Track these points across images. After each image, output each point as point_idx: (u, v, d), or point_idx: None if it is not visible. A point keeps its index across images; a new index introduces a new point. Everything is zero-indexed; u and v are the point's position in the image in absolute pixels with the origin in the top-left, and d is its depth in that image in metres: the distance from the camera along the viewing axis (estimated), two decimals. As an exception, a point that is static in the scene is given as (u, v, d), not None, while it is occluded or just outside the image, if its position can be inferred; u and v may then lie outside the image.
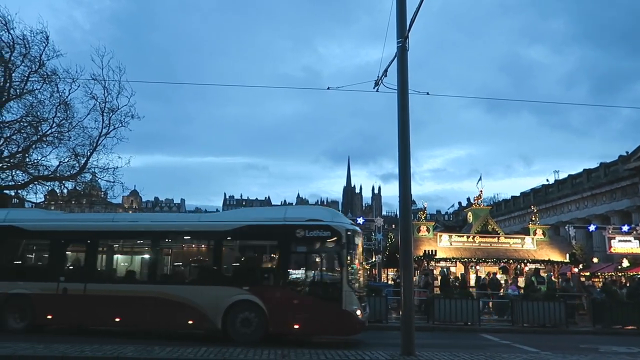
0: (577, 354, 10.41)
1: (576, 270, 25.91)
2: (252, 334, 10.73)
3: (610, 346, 12.40)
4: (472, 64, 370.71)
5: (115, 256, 13.24)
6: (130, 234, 12.95)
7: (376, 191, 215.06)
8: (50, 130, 21.90)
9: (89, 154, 22.62)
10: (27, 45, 20.23)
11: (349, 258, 10.88)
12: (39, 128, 21.81)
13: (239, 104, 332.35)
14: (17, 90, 21.11)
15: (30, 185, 22.71)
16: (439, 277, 22.80)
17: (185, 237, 12.71)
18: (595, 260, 32.57)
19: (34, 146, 22.04)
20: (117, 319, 11.57)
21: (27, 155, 22.18)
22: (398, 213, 10.06)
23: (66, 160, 22.66)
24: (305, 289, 11.07)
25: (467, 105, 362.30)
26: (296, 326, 10.75)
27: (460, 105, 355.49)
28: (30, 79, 20.94)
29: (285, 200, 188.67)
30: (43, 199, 26.74)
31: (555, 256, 25.89)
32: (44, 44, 20.40)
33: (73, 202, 27.20)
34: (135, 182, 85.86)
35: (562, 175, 46.67)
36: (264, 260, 12.20)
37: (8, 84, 20.69)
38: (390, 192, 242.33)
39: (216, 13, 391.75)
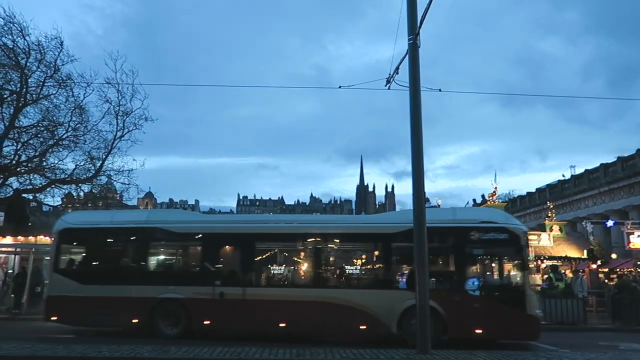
0: (597, 351, 10.24)
1: (594, 266, 25.49)
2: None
3: (631, 343, 12.20)
4: (485, 58, 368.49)
5: (277, 259, 12.84)
6: (292, 236, 12.50)
7: (389, 189, 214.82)
8: (66, 134, 22.39)
9: (104, 157, 23.07)
10: (42, 51, 20.62)
11: (528, 260, 10.87)
12: (55, 132, 22.27)
13: (251, 105, 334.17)
14: (34, 96, 21.52)
15: (48, 189, 23.11)
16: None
17: (352, 239, 12.43)
18: (613, 256, 32.03)
19: (50, 150, 22.47)
20: (282, 325, 11.15)
21: (44, 159, 22.59)
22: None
23: (82, 164, 23.14)
24: (484, 293, 10.89)
25: (480, 100, 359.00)
26: (478, 331, 10.52)
27: (473, 101, 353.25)
28: (45, 84, 21.35)
29: (298, 200, 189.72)
30: (60, 202, 27.17)
31: (573, 252, 25.52)
32: (59, 49, 20.83)
33: (90, 205, 27.60)
34: (149, 184, 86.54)
35: (579, 170, 45.72)
36: (438, 263, 11.91)
37: (24, 90, 21.05)
38: (404, 190, 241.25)
39: (227, 14, 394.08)
